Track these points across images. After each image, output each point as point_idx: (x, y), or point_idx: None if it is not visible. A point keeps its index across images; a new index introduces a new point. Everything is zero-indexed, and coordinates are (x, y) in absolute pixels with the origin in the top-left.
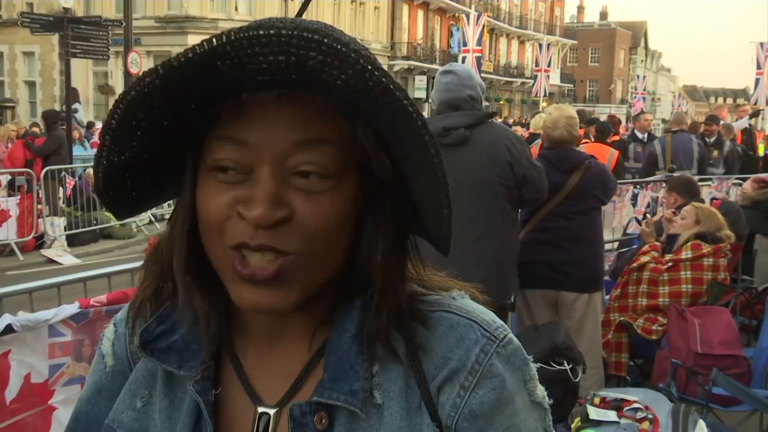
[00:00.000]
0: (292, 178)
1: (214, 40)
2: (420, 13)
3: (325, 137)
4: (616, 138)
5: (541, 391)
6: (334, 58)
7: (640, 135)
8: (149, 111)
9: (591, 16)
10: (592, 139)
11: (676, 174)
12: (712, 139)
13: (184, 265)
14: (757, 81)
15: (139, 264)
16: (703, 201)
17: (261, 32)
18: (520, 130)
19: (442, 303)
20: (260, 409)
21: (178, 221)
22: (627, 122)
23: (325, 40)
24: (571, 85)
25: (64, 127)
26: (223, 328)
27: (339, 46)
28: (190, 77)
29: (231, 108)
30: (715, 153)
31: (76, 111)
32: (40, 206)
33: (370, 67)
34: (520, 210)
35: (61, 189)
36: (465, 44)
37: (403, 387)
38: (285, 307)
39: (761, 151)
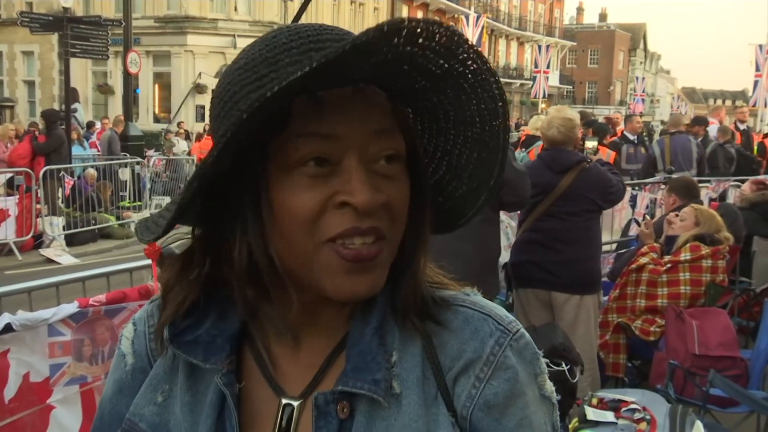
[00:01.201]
0: (374, 167)
1: (363, 36)
2: (419, 14)
3: (393, 126)
4: (613, 139)
5: (549, 386)
6: (446, 48)
7: (630, 137)
8: (267, 107)
9: (590, 18)
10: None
11: (675, 175)
12: (698, 140)
13: (269, 267)
14: (756, 83)
15: (138, 264)
16: (701, 203)
17: (405, 24)
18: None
19: (457, 298)
20: (284, 401)
21: (250, 226)
22: (626, 123)
23: (447, 33)
24: (570, 87)
25: (63, 126)
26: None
27: (456, 38)
28: (341, 68)
29: (305, 106)
30: None
31: (75, 111)
32: (38, 206)
33: (474, 55)
34: (519, 211)
35: (59, 189)
36: None
37: (420, 377)
38: (377, 290)
39: (755, 152)
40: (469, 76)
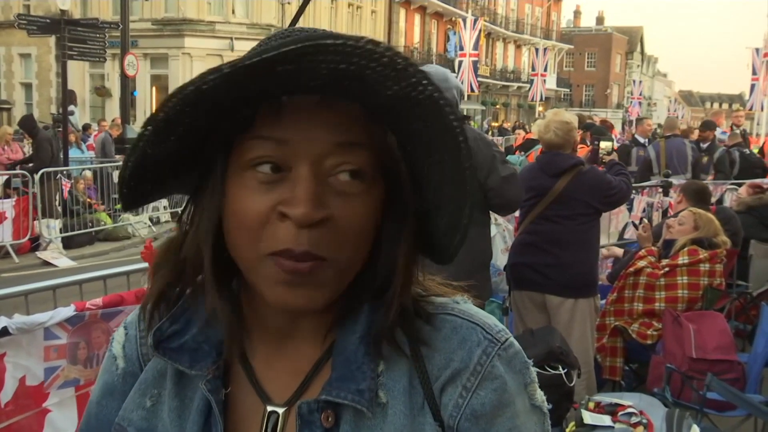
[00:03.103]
0: (330, 180)
1: (283, 48)
2: (417, 17)
3: (361, 141)
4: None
5: (540, 395)
6: (391, 69)
7: (641, 140)
8: (196, 108)
9: (587, 21)
10: (588, 144)
11: (672, 179)
12: (706, 145)
13: (211, 266)
14: (753, 86)
15: (135, 267)
16: (709, 209)
17: (329, 41)
18: (522, 134)
19: (446, 306)
20: (269, 408)
21: (203, 222)
22: (623, 126)
23: (387, 53)
24: (568, 90)
25: (59, 128)
26: (235, 328)
27: (399, 60)
28: (248, 79)
29: (268, 110)
30: (705, 159)
31: (72, 113)
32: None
33: (425, 81)
34: (512, 213)
35: (57, 192)
36: (462, 48)
37: (407, 387)
38: (317, 306)
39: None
40: (425, 101)
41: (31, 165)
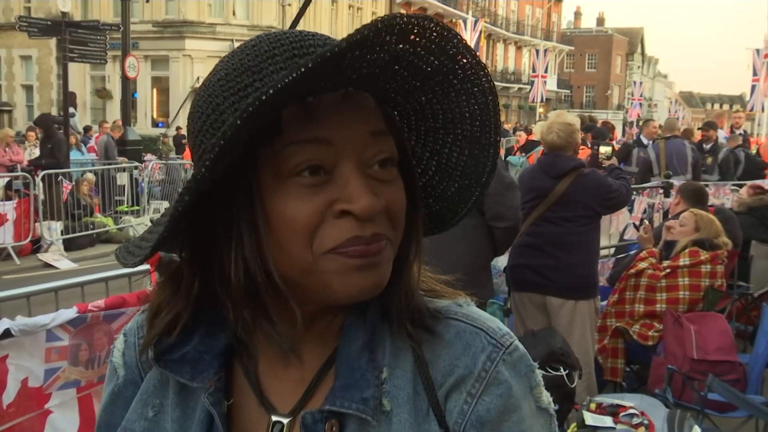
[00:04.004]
0: (368, 171)
1: (357, 33)
2: None
3: (385, 128)
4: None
5: (546, 397)
6: (438, 44)
7: (645, 141)
8: (255, 118)
9: (588, 22)
10: (589, 146)
11: (673, 179)
12: (709, 146)
13: (268, 283)
14: (753, 87)
15: (136, 269)
16: (707, 209)
17: (397, 18)
18: (524, 135)
19: (450, 310)
20: (274, 418)
21: (245, 241)
22: (623, 128)
23: (437, 27)
24: (568, 91)
25: (61, 130)
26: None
27: (446, 33)
28: (316, 75)
29: (297, 113)
30: (709, 159)
31: (73, 115)
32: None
33: (464, 50)
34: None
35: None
36: None
37: (411, 394)
38: (383, 285)
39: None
40: (459, 72)
41: (43, 162)
